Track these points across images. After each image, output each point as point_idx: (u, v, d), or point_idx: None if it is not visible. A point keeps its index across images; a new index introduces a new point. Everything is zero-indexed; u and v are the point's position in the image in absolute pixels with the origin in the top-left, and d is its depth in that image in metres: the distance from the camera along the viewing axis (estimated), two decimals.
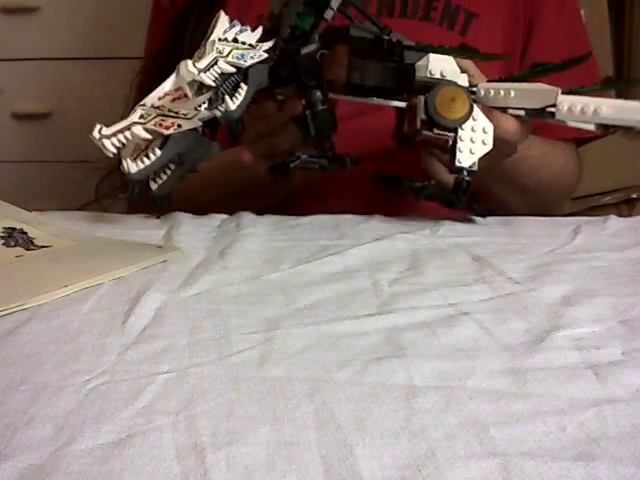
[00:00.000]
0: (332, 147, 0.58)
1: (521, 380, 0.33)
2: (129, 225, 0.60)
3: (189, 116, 0.49)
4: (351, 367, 0.35)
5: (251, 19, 0.55)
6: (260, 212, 0.64)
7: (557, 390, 0.32)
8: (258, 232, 0.57)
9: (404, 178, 0.64)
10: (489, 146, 0.56)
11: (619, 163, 1.40)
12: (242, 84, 0.51)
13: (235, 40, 0.52)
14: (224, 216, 0.63)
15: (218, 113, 0.50)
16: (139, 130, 0.47)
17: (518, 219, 0.61)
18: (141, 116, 0.48)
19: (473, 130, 0.57)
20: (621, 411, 0.30)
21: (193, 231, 0.58)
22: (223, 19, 0.54)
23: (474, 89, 0.58)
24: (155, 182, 0.50)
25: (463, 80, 0.58)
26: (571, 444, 0.28)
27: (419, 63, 0.57)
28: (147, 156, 0.48)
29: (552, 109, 0.55)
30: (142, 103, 0.50)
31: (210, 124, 0.52)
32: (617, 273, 0.46)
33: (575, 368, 0.34)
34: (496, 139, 0.57)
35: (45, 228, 0.57)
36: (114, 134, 0.47)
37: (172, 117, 0.49)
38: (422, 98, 0.56)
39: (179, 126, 0.48)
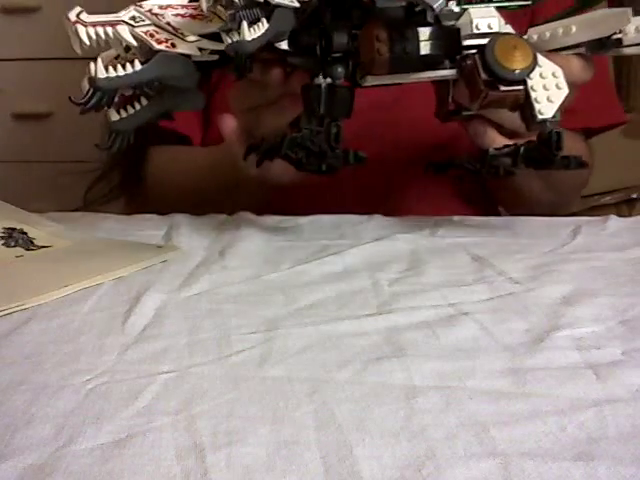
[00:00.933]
0: (338, 137, 0.49)
1: (521, 380, 0.33)
2: (129, 225, 0.60)
3: (189, 39, 0.43)
4: (351, 367, 0.34)
5: None
6: (260, 212, 0.63)
7: (557, 390, 0.32)
8: (258, 232, 0.57)
9: (463, 160, 0.57)
10: (565, 89, 0.50)
11: (619, 163, 1.40)
12: (263, 20, 0.43)
13: None
14: (224, 216, 0.63)
15: (228, 40, 0.43)
16: (124, 31, 0.41)
17: (518, 219, 0.60)
18: (132, 17, 0.42)
19: (542, 77, 0.50)
20: (621, 411, 0.30)
21: (193, 231, 0.58)
22: None
23: (525, 36, 0.52)
24: (119, 114, 0.44)
25: (510, 29, 0.52)
26: (571, 444, 0.28)
27: (460, 21, 0.51)
28: (132, 105, 0.43)
29: (619, 35, 0.50)
30: (139, 4, 0.43)
31: (206, 66, 0.46)
32: (617, 273, 0.46)
33: (575, 368, 0.34)
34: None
35: (45, 228, 0.57)
36: (94, 24, 0.41)
37: (168, 32, 0.42)
38: (477, 57, 0.50)
39: (173, 45, 0.42)
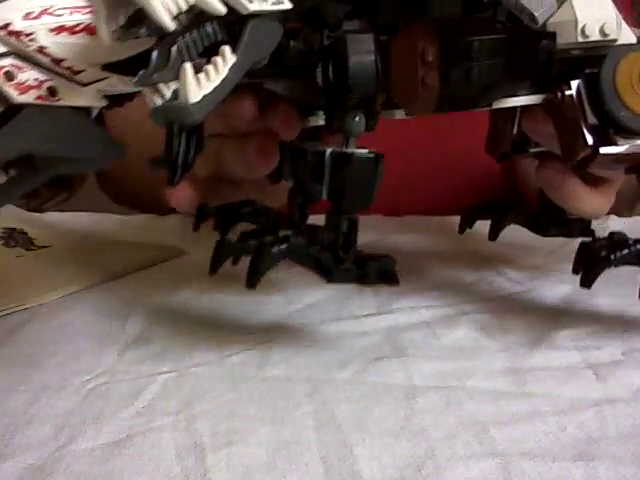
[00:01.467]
0: (349, 241, 0.33)
1: (521, 380, 0.33)
2: (129, 225, 0.60)
3: (84, 77, 0.26)
4: (351, 367, 0.34)
5: None
6: None
7: (557, 390, 0.32)
8: None
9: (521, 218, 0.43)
10: None
11: None
12: (226, 48, 0.25)
13: None
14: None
15: (155, 100, 0.25)
16: None
17: None
18: None
19: None
20: (621, 411, 0.30)
21: (193, 231, 0.58)
22: None
23: None
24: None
25: (630, 33, 0.33)
26: (571, 444, 0.28)
27: (556, 19, 0.32)
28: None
29: None
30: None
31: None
32: (617, 273, 0.46)
33: (575, 368, 0.34)
34: None
35: (45, 228, 0.57)
36: None
37: (44, 68, 0.25)
38: (581, 86, 0.32)
39: (52, 93, 0.25)
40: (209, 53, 0.25)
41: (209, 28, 0.25)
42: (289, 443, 0.28)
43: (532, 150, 0.38)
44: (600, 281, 0.45)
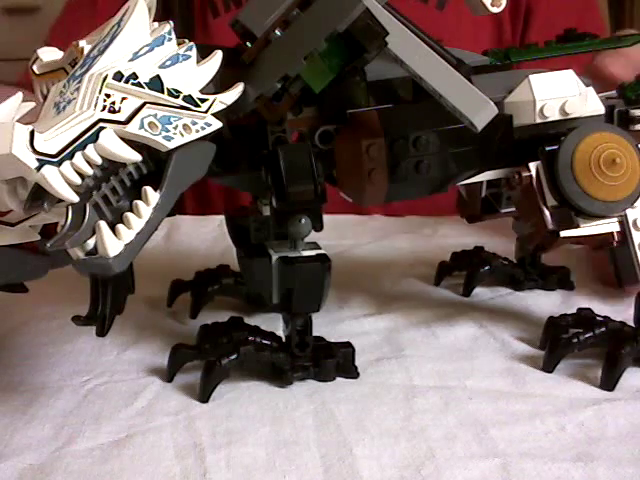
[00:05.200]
0: (305, 341, 0.33)
1: (520, 380, 0.33)
2: None
3: (9, 220, 0.27)
4: None
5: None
6: None
7: (556, 390, 0.32)
8: None
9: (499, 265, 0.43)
10: None
11: None
12: (148, 189, 0.25)
13: (154, 81, 0.26)
14: (224, 216, 0.62)
15: (80, 254, 0.25)
16: None
17: None
18: None
19: None
20: (620, 411, 0.30)
21: (193, 231, 0.58)
22: (139, 15, 0.27)
23: (637, 111, 0.32)
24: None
25: (596, 101, 0.32)
26: (570, 444, 0.28)
27: (512, 98, 0.31)
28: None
29: None
30: None
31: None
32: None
33: (574, 368, 0.34)
34: None
35: None
36: None
37: None
38: (537, 166, 0.31)
39: None
40: (141, 184, 0.25)
41: (130, 168, 0.25)
42: (289, 443, 0.28)
43: (503, 210, 0.38)
44: (599, 281, 0.45)
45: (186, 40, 0.28)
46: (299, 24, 0.28)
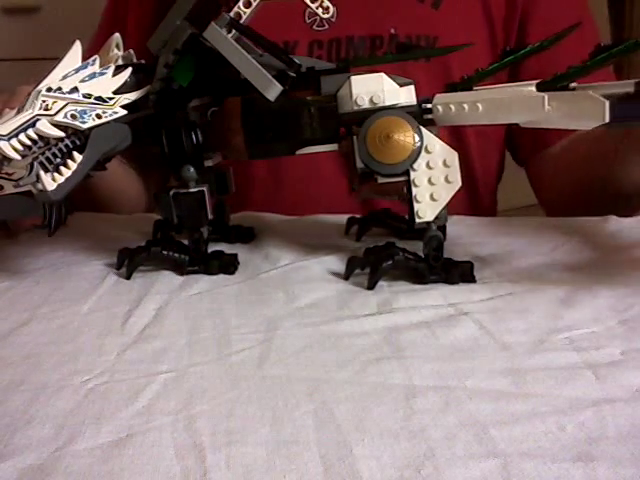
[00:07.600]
0: (199, 245, 0.48)
1: (520, 380, 0.33)
2: (128, 225, 0.60)
3: (14, 177, 0.42)
4: (350, 367, 0.35)
5: None
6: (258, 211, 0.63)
7: (556, 390, 0.32)
8: (258, 231, 0.57)
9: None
10: (456, 182, 0.44)
11: None
12: (75, 153, 0.40)
13: (73, 90, 0.41)
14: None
15: (34, 191, 0.40)
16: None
17: (518, 219, 0.60)
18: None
19: (429, 167, 0.43)
20: (620, 411, 0.30)
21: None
22: (73, 55, 0.44)
23: (429, 105, 0.44)
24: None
25: (408, 95, 0.44)
26: (570, 444, 0.28)
27: (340, 92, 0.44)
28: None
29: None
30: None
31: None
32: (616, 273, 0.46)
33: (574, 368, 0.34)
34: None
35: None
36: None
37: None
38: (354, 140, 0.44)
39: (0, 188, 0.42)
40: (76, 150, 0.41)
41: (67, 141, 0.41)
42: (288, 443, 0.28)
43: (379, 181, 0.45)
44: (599, 281, 0.45)
45: (112, 64, 0.45)
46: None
